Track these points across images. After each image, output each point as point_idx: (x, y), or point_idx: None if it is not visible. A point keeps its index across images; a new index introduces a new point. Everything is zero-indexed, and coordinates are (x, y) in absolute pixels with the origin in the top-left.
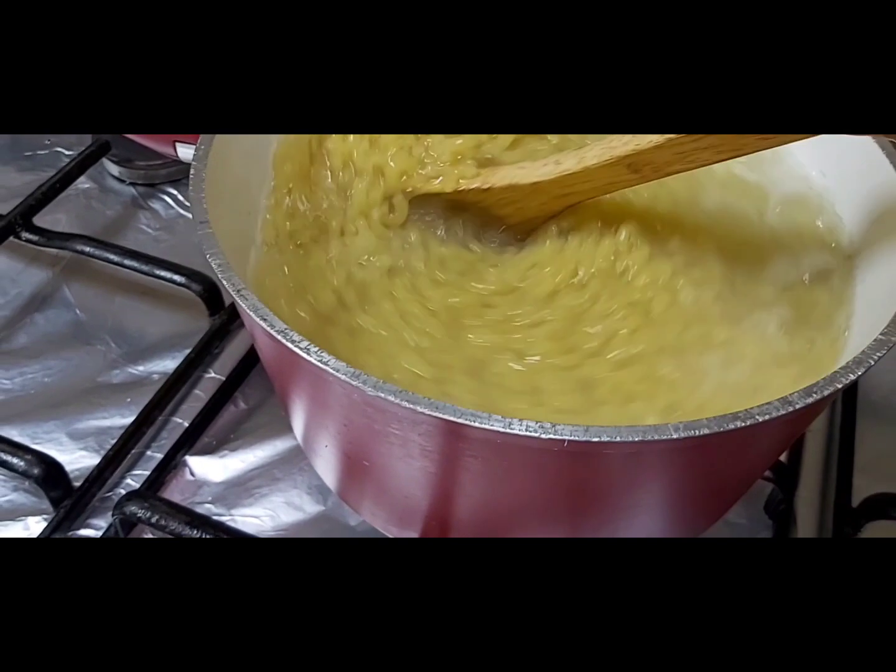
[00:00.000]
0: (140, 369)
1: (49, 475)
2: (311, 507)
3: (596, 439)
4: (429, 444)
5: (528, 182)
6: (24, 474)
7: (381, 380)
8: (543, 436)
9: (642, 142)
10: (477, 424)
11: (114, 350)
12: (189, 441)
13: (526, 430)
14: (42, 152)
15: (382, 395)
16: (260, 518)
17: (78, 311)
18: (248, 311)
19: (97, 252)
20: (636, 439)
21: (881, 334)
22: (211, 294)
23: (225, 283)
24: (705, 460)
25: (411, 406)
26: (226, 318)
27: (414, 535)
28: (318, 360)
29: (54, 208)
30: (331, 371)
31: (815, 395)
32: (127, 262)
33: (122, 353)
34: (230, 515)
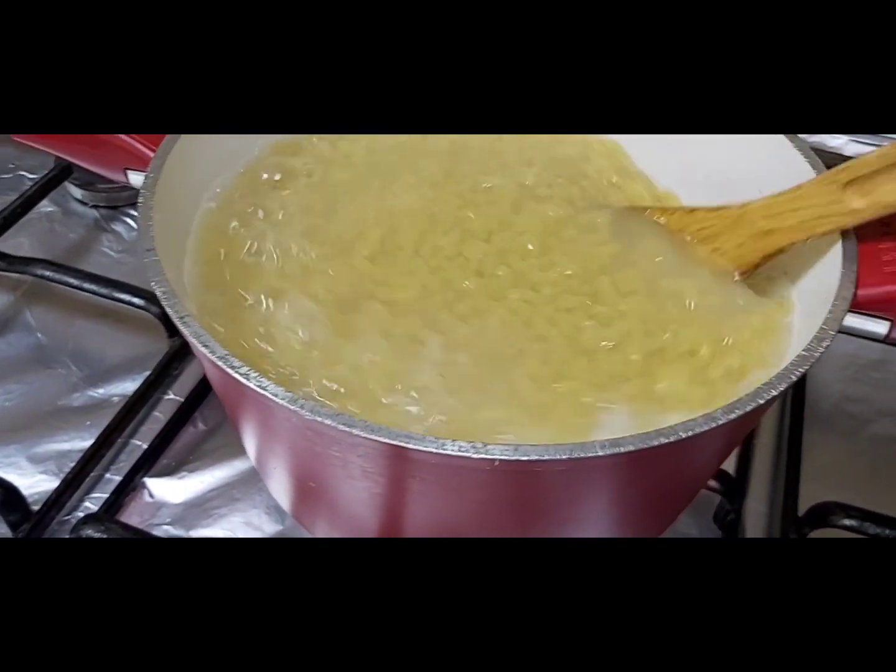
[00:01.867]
0: (100, 392)
1: (7, 499)
2: (269, 527)
3: (525, 458)
4: (369, 466)
5: (736, 205)
6: None
7: (317, 403)
8: (475, 455)
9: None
10: (411, 446)
11: (74, 373)
12: (148, 463)
13: (458, 451)
14: (5, 176)
15: (319, 418)
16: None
17: (39, 335)
18: (189, 337)
19: (57, 276)
20: (563, 457)
21: (804, 350)
22: (169, 316)
23: (168, 310)
24: (638, 473)
25: (346, 429)
26: (184, 340)
27: None
28: (258, 386)
29: (17, 232)
30: (269, 396)
31: (737, 411)
32: (87, 285)
33: (83, 376)
34: (188, 536)
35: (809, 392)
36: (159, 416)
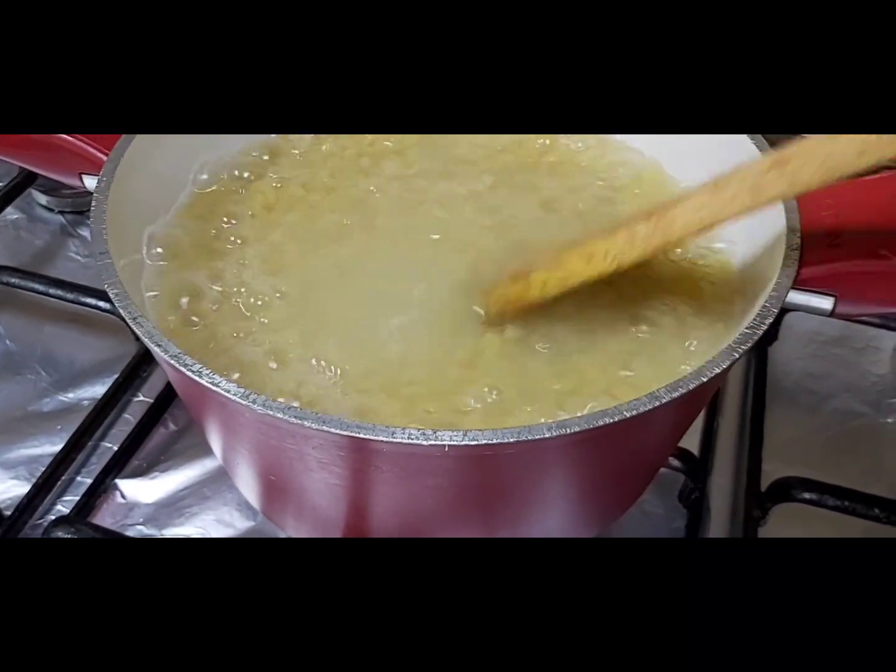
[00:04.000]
0: (70, 396)
1: None
2: (241, 524)
3: (474, 442)
4: (323, 457)
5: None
6: None
7: (269, 397)
8: (425, 442)
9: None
10: (361, 436)
11: (44, 378)
12: (119, 464)
13: (409, 438)
14: None
15: (271, 412)
16: (191, 536)
17: (7, 342)
18: (143, 338)
19: (23, 283)
20: (511, 440)
21: (747, 328)
22: None
23: (122, 311)
24: (591, 453)
25: (298, 421)
26: None
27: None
28: (210, 383)
29: None
30: (222, 392)
31: (680, 389)
32: (52, 291)
33: (52, 381)
34: (161, 535)
35: (771, 369)
36: (129, 419)
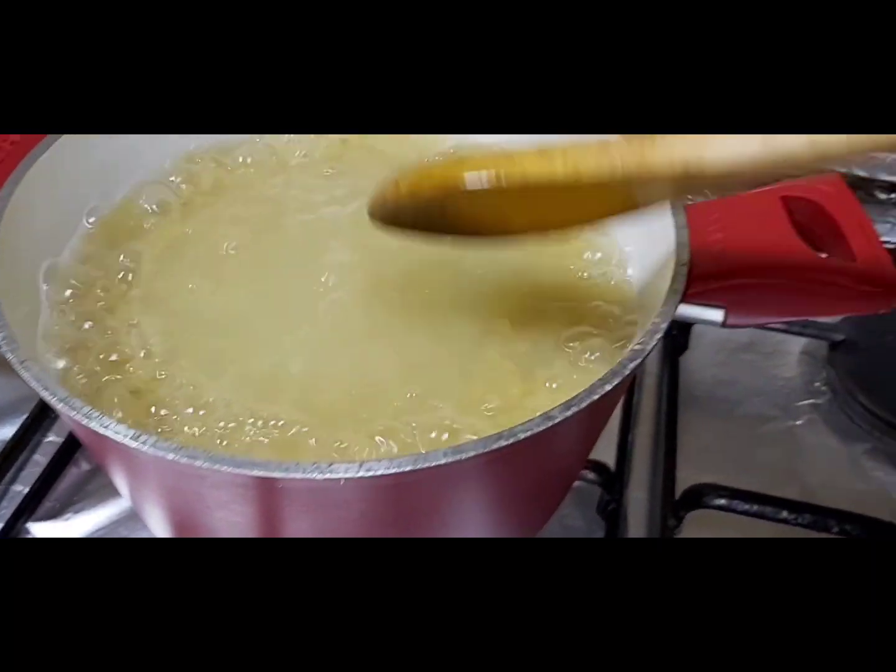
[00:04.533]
0: None
1: None
2: None
3: (369, 474)
4: (222, 495)
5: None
6: None
7: (160, 438)
8: (320, 476)
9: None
10: (256, 473)
11: None
12: (30, 507)
13: (303, 473)
14: None
15: (161, 453)
16: None
17: None
18: (31, 382)
19: None
20: (407, 469)
21: (637, 344)
22: None
23: (8, 356)
24: (495, 474)
25: (190, 461)
26: None
27: None
28: (100, 426)
29: None
30: (111, 435)
31: (573, 408)
32: None
33: None
34: None
35: (684, 378)
36: (40, 459)
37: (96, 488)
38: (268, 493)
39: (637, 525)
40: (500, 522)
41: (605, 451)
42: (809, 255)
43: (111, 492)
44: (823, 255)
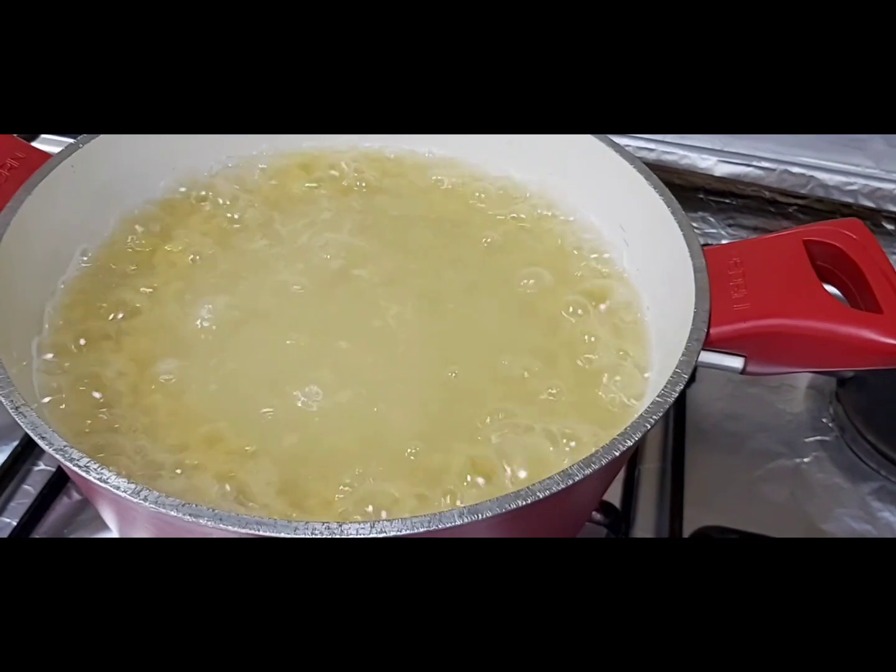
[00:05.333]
0: None
1: None
2: None
3: (381, 535)
4: None
5: None
6: None
7: (162, 494)
8: (330, 536)
9: None
10: (262, 533)
11: None
12: (25, 533)
13: (312, 534)
14: None
15: (163, 510)
16: None
17: None
18: (26, 429)
19: None
20: (421, 530)
21: (658, 396)
22: None
23: (3, 400)
24: (508, 527)
25: (193, 519)
26: None
27: None
28: (98, 479)
29: None
30: (110, 489)
31: (593, 466)
32: None
33: None
34: None
35: (690, 412)
36: (29, 490)
37: (88, 519)
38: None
39: None
40: None
41: (610, 488)
42: (834, 305)
43: (102, 523)
44: (847, 304)
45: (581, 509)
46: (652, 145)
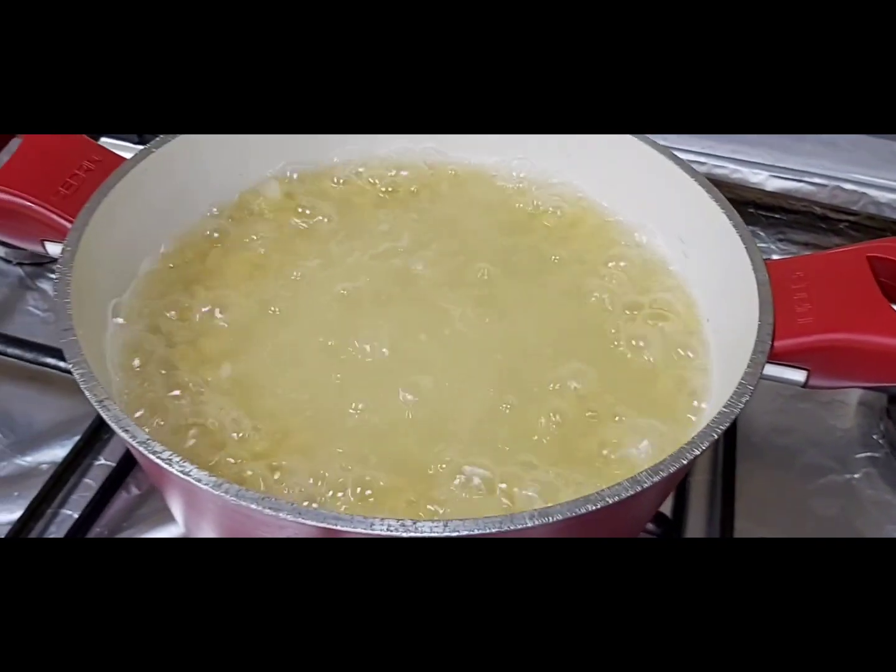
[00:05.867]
0: (28, 460)
1: None
2: None
3: (454, 534)
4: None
5: None
6: None
7: (242, 487)
8: (405, 535)
9: None
10: (339, 527)
11: (1, 441)
12: (80, 533)
13: (387, 531)
14: None
15: (244, 503)
16: None
17: None
18: (109, 422)
19: None
20: (493, 530)
21: (724, 406)
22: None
23: (87, 393)
24: (573, 532)
25: (273, 513)
26: None
27: None
28: (181, 471)
29: None
30: (192, 481)
31: (661, 474)
32: (11, 350)
33: (10, 443)
34: None
35: (740, 423)
36: (90, 483)
37: (147, 514)
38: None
39: None
40: None
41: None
42: None
43: (161, 518)
44: None
45: (641, 516)
46: (703, 158)
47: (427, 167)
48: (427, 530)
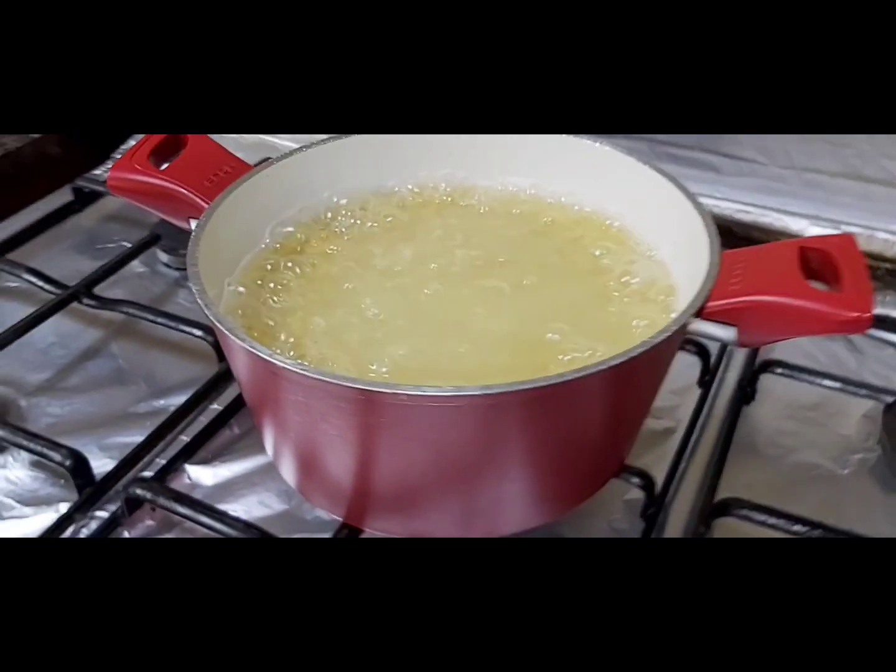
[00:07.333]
0: (161, 403)
1: (76, 466)
2: (278, 506)
3: (488, 392)
4: (333, 412)
5: None
6: (59, 464)
7: (282, 353)
8: (418, 392)
9: None
10: (361, 386)
11: (143, 389)
12: (189, 452)
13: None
14: (111, 245)
15: (279, 362)
16: (237, 512)
17: (120, 361)
18: (206, 311)
19: (137, 312)
20: (494, 392)
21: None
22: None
23: (197, 297)
24: (547, 406)
25: (301, 372)
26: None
27: (343, 508)
28: (237, 337)
29: (113, 286)
30: (247, 347)
31: (630, 355)
32: (159, 319)
33: (149, 391)
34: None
35: (747, 426)
36: (203, 420)
37: (242, 448)
38: (371, 408)
39: (672, 530)
40: (541, 475)
41: (656, 466)
42: (805, 286)
43: (252, 452)
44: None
45: (602, 419)
46: (749, 209)
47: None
48: (433, 391)
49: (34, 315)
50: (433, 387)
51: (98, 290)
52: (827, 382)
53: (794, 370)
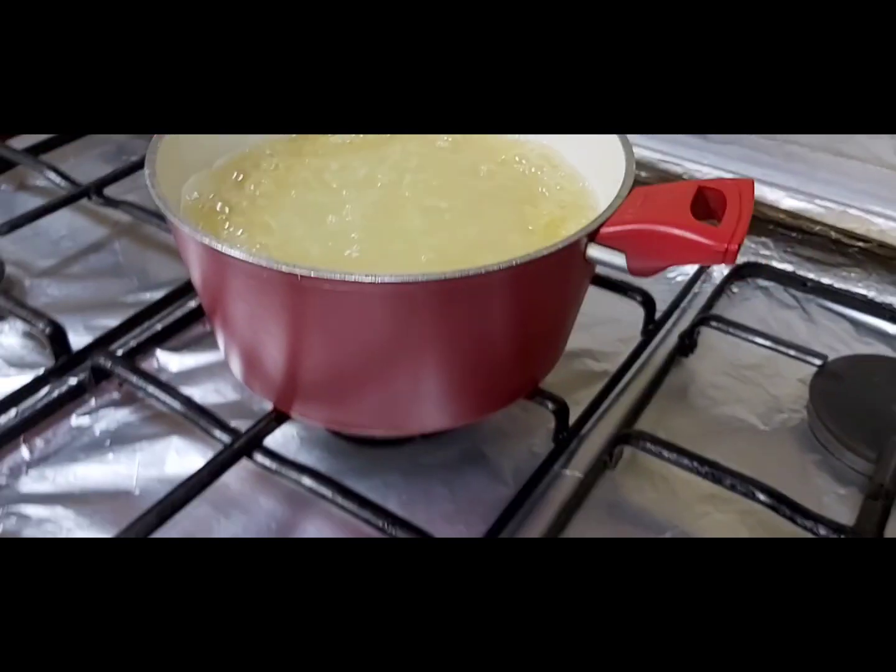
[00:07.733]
0: (147, 296)
1: (54, 335)
2: (231, 396)
3: (394, 280)
4: (265, 295)
5: None
6: (41, 332)
7: (216, 237)
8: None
9: None
10: (276, 268)
11: (135, 283)
12: (161, 339)
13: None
14: (134, 158)
15: (213, 244)
16: (194, 396)
17: (120, 257)
18: (156, 199)
19: (140, 214)
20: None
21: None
22: None
23: (151, 192)
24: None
25: (228, 252)
26: None
27: (273, 393)
28: (180, 221)
29: (126, 193)
30: (187, 232)
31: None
32: (159, 223)
33: (140, 285)
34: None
35: (683, 376)
36: (179, 314)
37: (209, 343)
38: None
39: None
40: (457, 373)
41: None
42: (688, 218)
43: (216, 347)
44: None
45: (515, 321)
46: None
47: None
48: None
49: (45, 205)
50: (350, 272)
51: (109, 192)
52: (759, 340)
53: (730, 325)
